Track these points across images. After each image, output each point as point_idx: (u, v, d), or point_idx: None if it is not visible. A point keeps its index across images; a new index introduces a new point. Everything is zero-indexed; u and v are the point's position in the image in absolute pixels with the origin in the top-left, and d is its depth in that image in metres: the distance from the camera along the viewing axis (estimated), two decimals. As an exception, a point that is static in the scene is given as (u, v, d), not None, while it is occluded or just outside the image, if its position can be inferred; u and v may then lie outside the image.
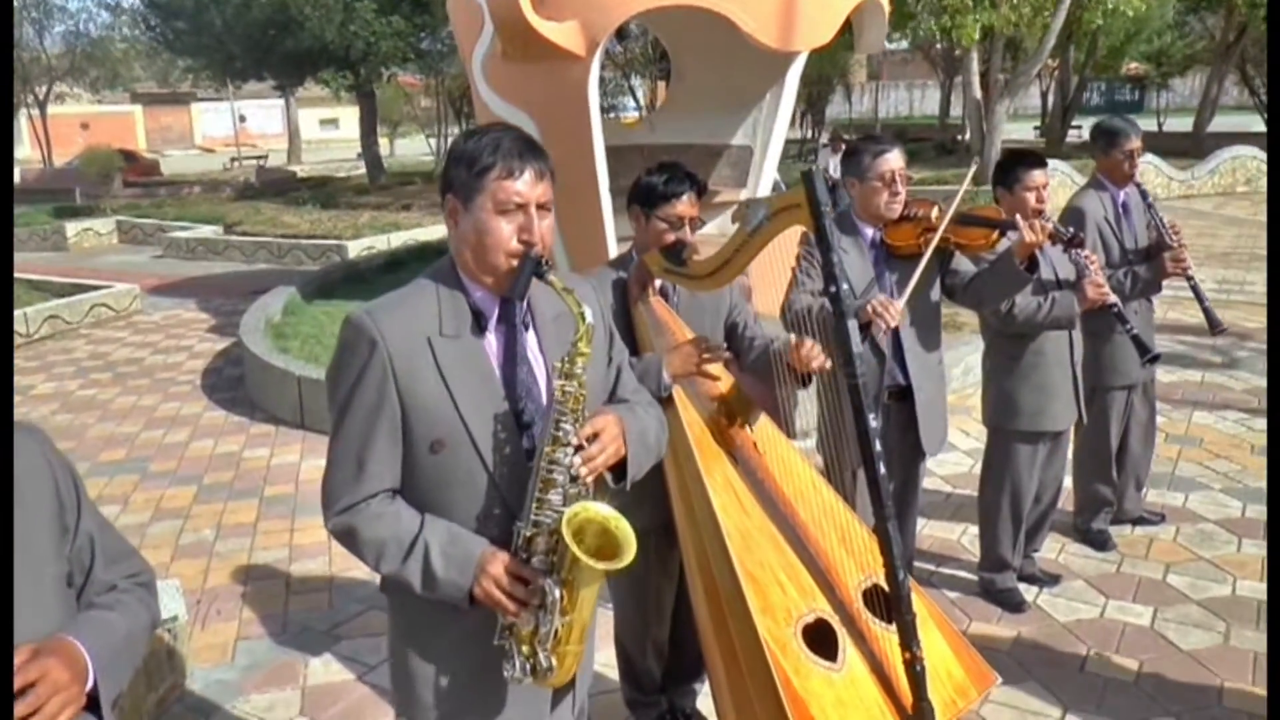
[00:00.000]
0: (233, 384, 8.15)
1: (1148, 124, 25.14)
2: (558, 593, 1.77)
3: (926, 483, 5.04)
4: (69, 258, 16.55)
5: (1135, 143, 4.34)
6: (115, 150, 27.03)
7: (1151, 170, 16.96)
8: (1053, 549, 4.62)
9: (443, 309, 1.89)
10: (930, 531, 4.87)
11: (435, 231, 14.99)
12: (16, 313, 9.97)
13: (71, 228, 17.94)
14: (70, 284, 11.86)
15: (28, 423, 1.65)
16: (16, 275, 11.51)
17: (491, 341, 1.93)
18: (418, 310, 1.89)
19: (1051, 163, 17.99)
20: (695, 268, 2.69)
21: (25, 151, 39.77)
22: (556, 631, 1.79)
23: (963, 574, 4.44)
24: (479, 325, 1.91)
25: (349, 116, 42.77)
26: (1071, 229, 3.67)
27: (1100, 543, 4.64)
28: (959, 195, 3.32)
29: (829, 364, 2.66)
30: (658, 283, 2.94)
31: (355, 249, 14.29)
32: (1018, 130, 28.16)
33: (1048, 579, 4.33)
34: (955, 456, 5.84)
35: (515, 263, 1.84)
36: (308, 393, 6.89)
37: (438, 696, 1.98)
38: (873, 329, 3.14)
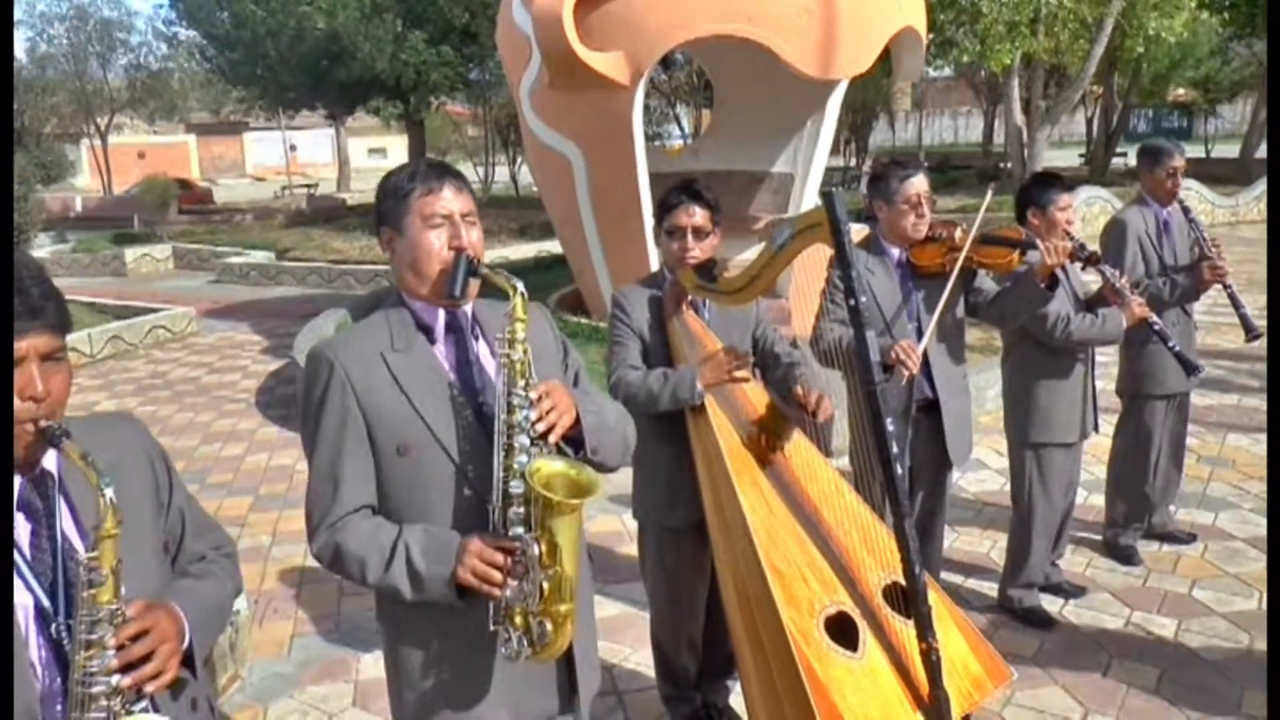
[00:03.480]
0: (286, 402, 8.42)
1: (1195, 150, 24.91)
2: (535, 548, 1.83)
3: (957, 499, 5.15)
4: (128, 282, 17.13)
5: (1178, 161, 4.47)
6: (171, 179, 27.70)
7: (1195, 197, 16.83)
8: (1079, 563, 4.72)
9: (392, 329, 2.03)
10: (960, 544, 4.99)
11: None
12: (81, 334, 10.35)
13: (130, 254, 18.55)
14: (129, 307, 12.31)
15: (123, 411, 1.86)
16: (79, 298, 11.94)
17: (442, 350, 2.05)
18: (370, 334, 2.04)
19: (1092, 189, 17.69)
20: (725, 284, 2.88)
21: (85, 180, 41.05)
22: (543, 588, 1.84)
23: (990, 585, 4.53)
24: (428, 337, 2.04)
25: (397, 146, 43.57)
26: (1088, 248, 3.81)
27: (1127, 557, 4.72)
28: (979, 216, 3.47)
29: (832, 413, 2.93)
30: (689, 298, 3.13)
31: (403, 273, 14.53)
32: (1062, 157, 28.01)
33: (1074, 590, 4.43)
34: (986, 475, 5.94)
35: (449, 266, 1.98)
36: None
37: (434, 694, 2.05)
38: (896, 372, 3.28)
